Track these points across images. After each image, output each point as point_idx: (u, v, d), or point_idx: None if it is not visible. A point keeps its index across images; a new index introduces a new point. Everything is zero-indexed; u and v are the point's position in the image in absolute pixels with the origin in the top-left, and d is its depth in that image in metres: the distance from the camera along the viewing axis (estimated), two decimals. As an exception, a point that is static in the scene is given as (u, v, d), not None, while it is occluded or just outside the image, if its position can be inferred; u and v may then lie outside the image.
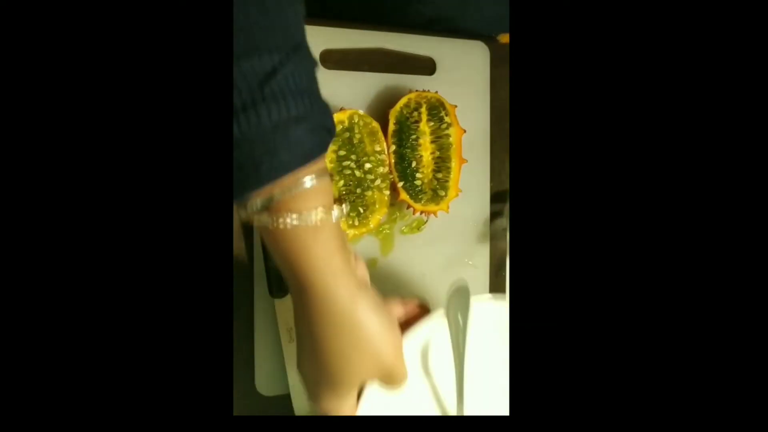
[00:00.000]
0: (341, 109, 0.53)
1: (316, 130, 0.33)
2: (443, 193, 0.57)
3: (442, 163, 0.57)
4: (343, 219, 0.53)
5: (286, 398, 0.56)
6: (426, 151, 0.57)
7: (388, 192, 0.55)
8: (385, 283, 0.58)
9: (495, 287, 0.63)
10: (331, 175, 0.52)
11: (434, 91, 0.57)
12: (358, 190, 0.54)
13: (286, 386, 0.56)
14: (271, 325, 0.58)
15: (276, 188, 0.33)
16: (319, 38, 0.56)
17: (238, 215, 0.35)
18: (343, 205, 0.36)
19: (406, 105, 0.56)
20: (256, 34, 0.31)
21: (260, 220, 0.34)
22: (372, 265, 0.58)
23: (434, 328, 0.45)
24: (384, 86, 0.59)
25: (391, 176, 0.56)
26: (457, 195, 0.58)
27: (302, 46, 0.34)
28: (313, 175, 0.34)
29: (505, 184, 0.66)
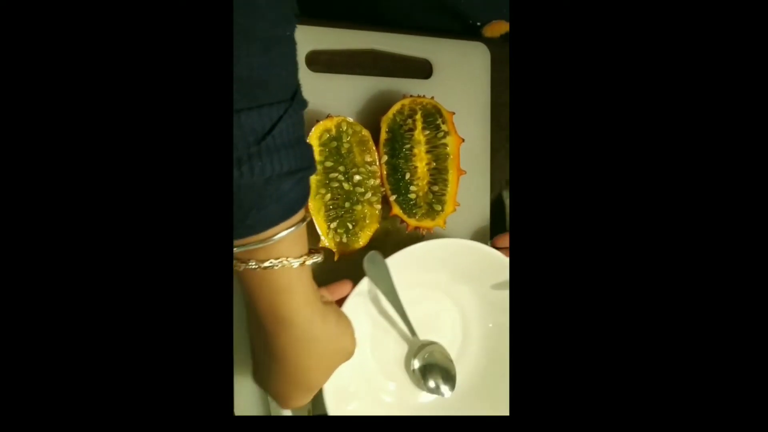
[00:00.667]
0: (328, 116, 0.48)
1: (303, 180, 0.35)
2: (439, 208, 0.52)
3: (438, 174, 0.52)
4: (330, 237, 0.49)
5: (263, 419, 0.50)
6: (421, 162, 0.52)
7: (379, 206, 0.51)
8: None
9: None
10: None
11: (430, 96, 0.52)
12: (347, 204, 0.49)
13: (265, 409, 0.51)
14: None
15: (260, 237, 0.35)
16: (306, 39, 0.52)
17: None
18: (314, 256, 0.39)
19: (400, 112, 0.51)
20: (258, 87, 0.31)
21: (240, 265, 0.36)
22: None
23: (365, 291, 0.50)
24: (376, 91, 0.54)
25: (383, 189, 0.51)
26: (454, 210, 0.53)
27: (297, 91, 0.35)
28: (294, 228, 0.36)
29: (507, 196, 0.62)
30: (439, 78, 0.57)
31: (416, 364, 0.54)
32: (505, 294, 0.55)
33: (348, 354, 0.45)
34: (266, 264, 0.35)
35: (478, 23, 0.59)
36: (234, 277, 0.41)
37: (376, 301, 0.52)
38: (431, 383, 0.53)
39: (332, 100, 0.52)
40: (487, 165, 0.59)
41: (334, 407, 0.47)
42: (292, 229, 0.36)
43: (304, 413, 0.52)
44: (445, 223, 0.53)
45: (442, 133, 0.52)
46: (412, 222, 0.52)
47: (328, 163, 0.48)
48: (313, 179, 0.47)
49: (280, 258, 0.36)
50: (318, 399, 0.47)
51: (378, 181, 0.50)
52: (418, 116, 0.52)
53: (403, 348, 0.55)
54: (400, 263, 0.49)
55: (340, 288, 0.47)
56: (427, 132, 0.52)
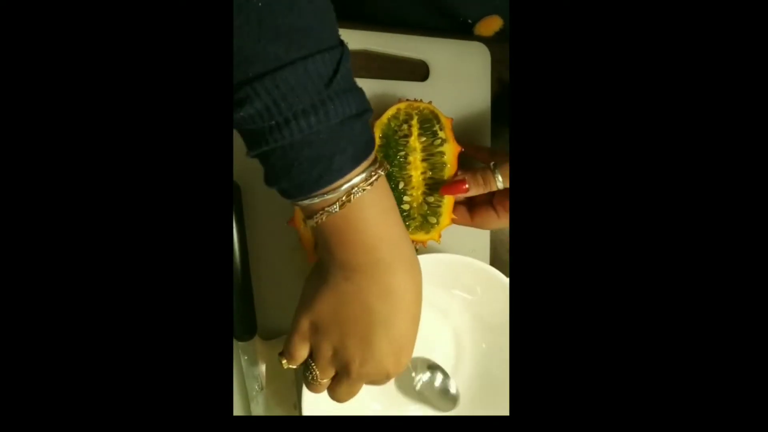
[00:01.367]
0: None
1: (368, 122, 0.36)
2: (434, 220, 0.49)
3: (434, 185, 0.49)
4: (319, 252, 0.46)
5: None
6: (416, 171, 0.49)
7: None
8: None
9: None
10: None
11: (427, 101, 0.49)
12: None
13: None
14: (236, 372, 0.50)
15: (340, 183, 0.34)
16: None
17: (301, 212, 0.38)
18: (380, 170, 0.37)
19: (395, 116, 0.48)
20: (311, 35, 0.32)
21: (318, 217, 0.35)
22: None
23: None
24: (369, 94, 0.50)
25: None
26: (450, 223, 0.50)
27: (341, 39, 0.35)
28: (369, 172, 0.35)
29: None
30: (437, 80, 0.53)
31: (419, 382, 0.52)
32: (499, 313, 0.52)
33: (392, 374, 0.41)
34: (343, 198, 0.35)
35: (470, 20, 0.55)
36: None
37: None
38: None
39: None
40: (488, 172, 0.56)
41: None
42: (367, 172, 0.35)
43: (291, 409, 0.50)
44: (440, 236, 0.49)
45: (439, 141, 0.49)
46: None
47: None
48: None
49: (346, 189, 0.35)
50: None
51: None
52: (414, 122, 0.48)
53: None
54: None
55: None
56: (424, 139, 0.49)
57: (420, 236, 0.49)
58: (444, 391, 0.53)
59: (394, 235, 0.37)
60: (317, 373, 0.40)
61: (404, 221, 0.48)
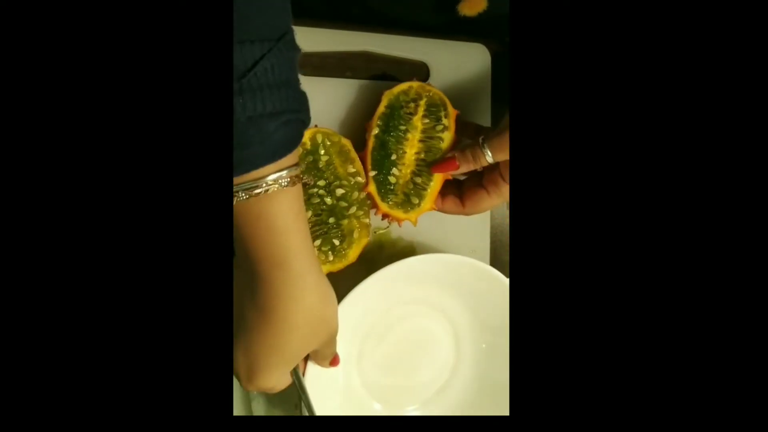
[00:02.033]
0: (315, 126, 0.46)
1: (291, 123, 0.34)
2: (416, 201, 0.48)
3: (424, 167, 0.48)
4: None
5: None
6: (411, 149, 0.48)
7: (368, 219, 0.47)
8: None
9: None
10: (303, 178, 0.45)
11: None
12: (332, 220, 0.46)
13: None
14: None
15: (249, 178, 0.34)
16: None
17: None
18: (294, 169, 0.36)
19: (405, 92, 0.48)
20: (241, 23, 0.30)
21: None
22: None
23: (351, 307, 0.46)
24: (370, 95, 0.51)
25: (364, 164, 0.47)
26: (431, 208, 0.49)
27: (288, 33, 0.34)
28: (285, 173, 0.35)
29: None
30: (437, 81, 0.53)
31: None
32: (500, 314, 0.51)
33: (331, 330, 0.41)
34: (256, 190, 0.34)
35: None
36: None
37: (363, 318, 0.50)
38: None
39: (323, 105, 0.50)
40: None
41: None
42: (282, 173, 0.35)
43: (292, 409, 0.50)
44: (416, 220, 0.49)
45: (441, 127, 0.48)
46: (383, 207, 0.48)
47: (305, 179, 0.45)
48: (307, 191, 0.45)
49: (262, 183, 0.34)
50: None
51: (364, 194, 0.47)
52: (422, 102, 0.48)
53: (389, 369, 0.53)
54: (392, 277, 0.46)
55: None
56: (427, 121, 0.48)
57: (398, 213, 0.48)
58: None
59: (301, 246, 0.36)
60: None
61: (386, 194, 0.48)
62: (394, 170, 0.48)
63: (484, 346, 0.54)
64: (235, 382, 0.50)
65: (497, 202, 0.47)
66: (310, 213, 0.45)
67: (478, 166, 0.46)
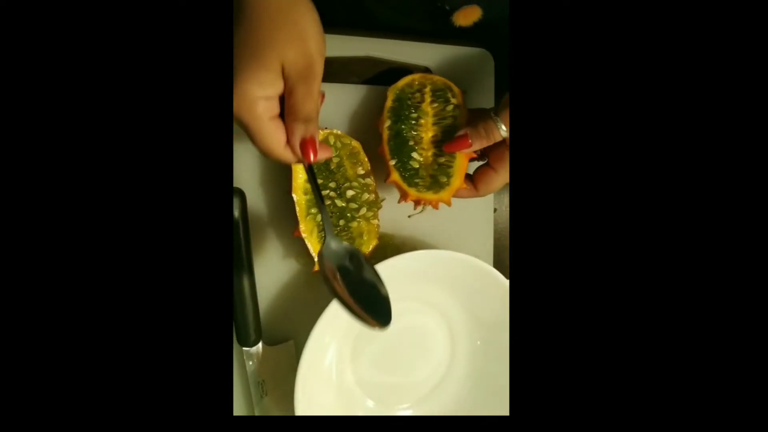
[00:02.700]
0: (325, 128, 0.46)
1: None
2: (445, 180, 0.46)
3: (442, 145, 0.47)
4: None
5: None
6: (427, 134, 0.47)
7: (377, 221, 0.47)
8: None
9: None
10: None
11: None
12: (342, 222, 0.46)
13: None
14: (240, 377, 0.50)
15: None
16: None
17: None
18: None
19: (409, 85, 0.48)
20: None
21: None
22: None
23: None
24: (374, 100, 0.51)
25: (381, 154, 0.46)
26: (462, 186, 0.47)
27: None
28: None
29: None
30: (440, 86, 0.54)
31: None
32: (495, 310, 0.52)
33: (302, 35, 0.39)
34: None
35: (448, 7, 0.54)
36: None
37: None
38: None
39: (327, 109, 0.50)
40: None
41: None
42: None
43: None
44: (450, 200, 0.47)
45: (451, 106, 0.48)
46: (412, 192, 0.46)
47: (318, 180, 0.45)
48: (304, 199, 0.44)
49: None
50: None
51: (373, 195, 0.47)
52: (428, 90, 0.48)
53: (382, 367, 0.52)
54: (385, 274, 0.46)
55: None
56: (436, 105, 0.48)
57: (429, 195, 0.46)
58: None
59: None
60: None
61: (412, 179, 0.46)
62: (414, 155, 0.47)
63: (479, 342, 0.54)
64: (235, 388, 0.49)
65: (507, 178, 0.46)
66: (320, 215, 0.45)
67: (491, 141, 0.44)
